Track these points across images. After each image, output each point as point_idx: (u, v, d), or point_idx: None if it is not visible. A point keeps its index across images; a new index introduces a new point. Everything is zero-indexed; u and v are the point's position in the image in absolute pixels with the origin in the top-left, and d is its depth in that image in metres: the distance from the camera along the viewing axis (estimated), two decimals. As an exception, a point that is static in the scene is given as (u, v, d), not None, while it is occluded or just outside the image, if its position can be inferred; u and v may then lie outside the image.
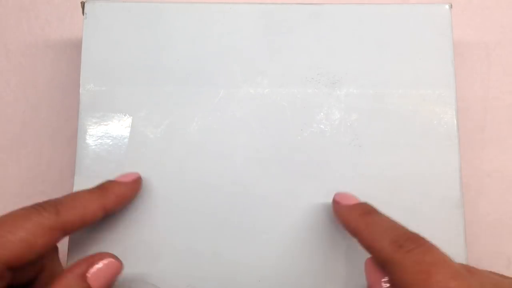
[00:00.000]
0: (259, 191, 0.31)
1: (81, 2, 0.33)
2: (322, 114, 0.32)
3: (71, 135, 0.37)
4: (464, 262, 0.30)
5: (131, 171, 0.30)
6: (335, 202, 0.29)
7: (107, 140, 0.31)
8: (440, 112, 0.32)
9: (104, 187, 0.28)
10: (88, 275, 0.24)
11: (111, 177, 0.29)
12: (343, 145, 0.31)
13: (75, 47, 0.38)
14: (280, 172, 0.31)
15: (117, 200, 0.28)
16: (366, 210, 0.26)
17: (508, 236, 0.36)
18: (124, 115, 0.31)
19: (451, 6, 0.33)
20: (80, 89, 0.32)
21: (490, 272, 0.24)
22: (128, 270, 0.30)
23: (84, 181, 0.30)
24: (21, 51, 0.38)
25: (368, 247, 0.24)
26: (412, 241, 0.22)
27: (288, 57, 0.32)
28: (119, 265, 0.25)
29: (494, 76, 0.38)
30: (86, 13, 0.32)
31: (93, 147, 0.31)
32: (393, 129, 0.31)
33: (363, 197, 0.31)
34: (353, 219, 0.26)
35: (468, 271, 0.23)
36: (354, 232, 0.26)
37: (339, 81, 0.32)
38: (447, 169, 0.31)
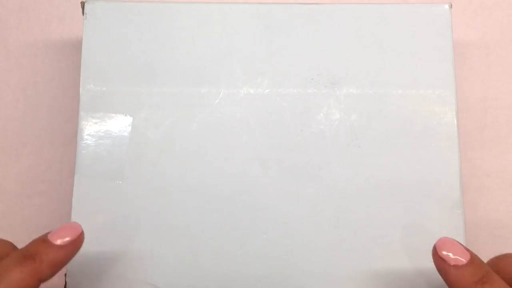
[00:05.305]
0: (259, 191, 0.31)
1: (81, 2, 0.33)
2: (322, 114, 0.32)
3: (71, 135, 0.37)
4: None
5: (73, 222, 0.26)
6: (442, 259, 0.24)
7: (107, 140, 0.31)
8: (440, 112, 0.32)
9: (39, 258, 0.23)
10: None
11: (111, 177, 0.29)
12: (342, 145, 0.31)
13: (75, 47, 0.38)
14: (280, 173, 0.31)
15: (53, 270, 0.24)
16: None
17: (508, 236, 0.36)
18: (124, 115, 0.31)
19: (451, 6, 0.33)
20: (80, 89, 0.32)
21: None
22: (128, 270, 0.30)
23: (84, 181, 0.30)
24: (21, 51, 0.38)
25: None
26: None
27: (288, 57, 0.32)
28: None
29: (494, 76, 0.38)
30: (86, 13, 0.32)
31: (93, 147, 0.31)
32: (393, 129, 0.31)
33: (363, 198, 0.31)
34: None
35: None
36: None
37: (339, 82, 0.32)
38: (447, 169, 0.31)
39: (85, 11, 0.33)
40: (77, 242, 0.25)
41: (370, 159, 0.31)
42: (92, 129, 0.31)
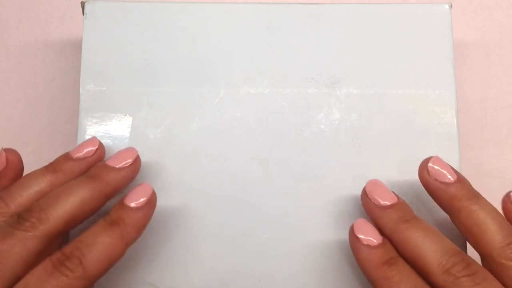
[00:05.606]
0: (259, 191, 0.31)
1: (81, 2, 0.33)
2: (322, 114, 0.32)
3: (71, 135, 0.37)
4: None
5: (143, 183, 0.27)
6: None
7: (107, 140, 0.31)
8: (440, 112, 0.32)
9: (122, 222, 0.25)
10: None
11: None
12: (343, 145, 0.31)
13: (75, 47, 0.38)
14: (280, 172, 0.31)
15: (138, 234, 0.26)
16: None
17: (508, 236, 0.36)
18: (124, 115, 0.31)
19: (451, 6, 0.33)
20: (80, 89, 0.32)
21: None
22: (128, 270, 0.30)
23: (84, 181, 0.30)
24: (21, 51, 0.38)
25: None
26: None
27: (288, 57, 0.32)
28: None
29: (494, 76, 0.38)
30: (86, 13, 0.32)
31: (93, 147, 0.31)
32: (393, 129, 0.31)
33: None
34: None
35: None
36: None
37: (339, 81, 0.32)
38: (447, 169, 0.31)
39: (85, 11, 0.33)
40: (152, 201, 0.26)
41: (370, 159, 0.31)
42: (92, 129, 0.31)
